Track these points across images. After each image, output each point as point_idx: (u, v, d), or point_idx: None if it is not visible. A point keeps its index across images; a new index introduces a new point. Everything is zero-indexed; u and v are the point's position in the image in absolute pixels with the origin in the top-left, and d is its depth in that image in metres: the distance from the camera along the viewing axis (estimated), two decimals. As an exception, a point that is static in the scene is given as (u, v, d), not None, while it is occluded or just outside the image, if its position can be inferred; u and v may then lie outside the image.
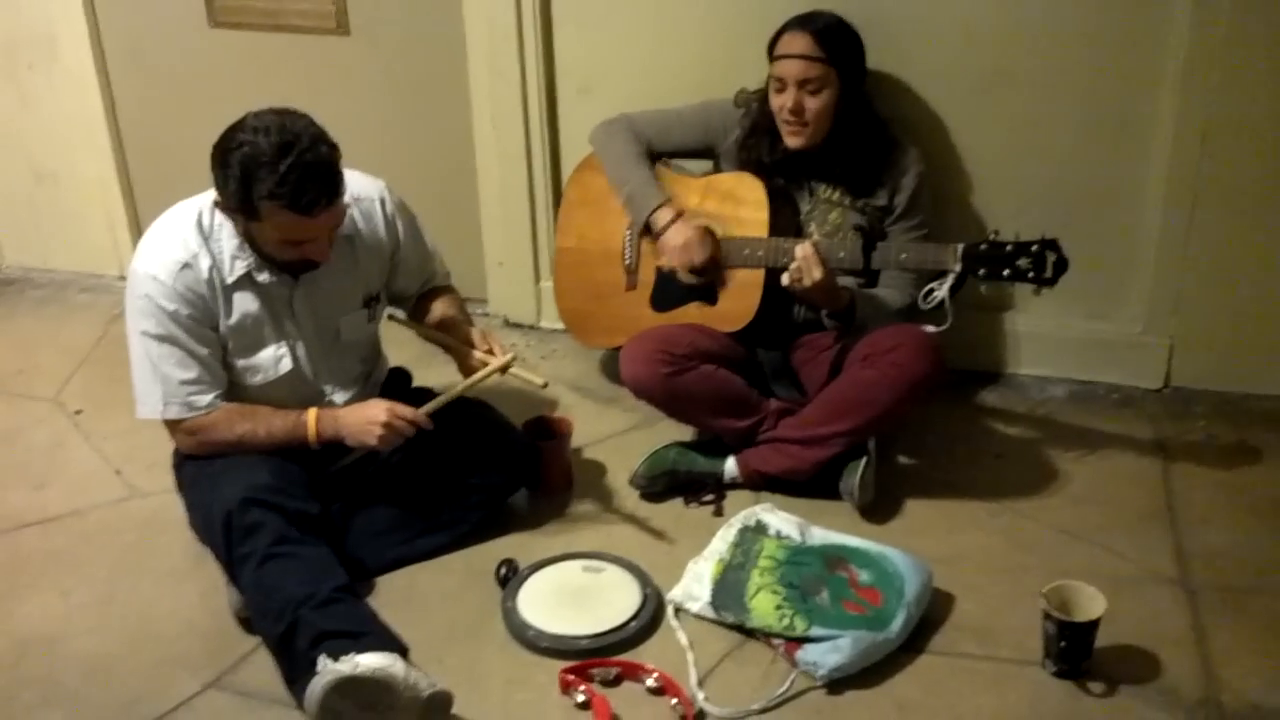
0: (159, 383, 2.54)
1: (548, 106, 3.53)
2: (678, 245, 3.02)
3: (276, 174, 2.32)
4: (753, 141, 3.05)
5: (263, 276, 2.57)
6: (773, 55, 2.95)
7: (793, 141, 2.97)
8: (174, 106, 3.94)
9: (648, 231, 3.10)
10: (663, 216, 3.05)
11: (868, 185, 3.02)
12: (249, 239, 2.51)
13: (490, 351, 2.69)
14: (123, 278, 4.21)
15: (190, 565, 2.73)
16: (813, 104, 2.91)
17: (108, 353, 3.76)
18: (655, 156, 3.18)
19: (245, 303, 2.58)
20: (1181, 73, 3.03)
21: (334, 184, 2.42)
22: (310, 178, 2.35)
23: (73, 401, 3.50)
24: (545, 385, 2.67)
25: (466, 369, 2.72)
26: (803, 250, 2.77)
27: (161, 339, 2.52)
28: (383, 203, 2.73)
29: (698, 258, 3.01)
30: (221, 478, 2.51)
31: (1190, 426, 3.22)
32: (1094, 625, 2.31)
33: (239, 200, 2.38)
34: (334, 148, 2.42)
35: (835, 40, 2.91)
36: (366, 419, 2.56)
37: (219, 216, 2.53)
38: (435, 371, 2.97)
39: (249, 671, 2.44)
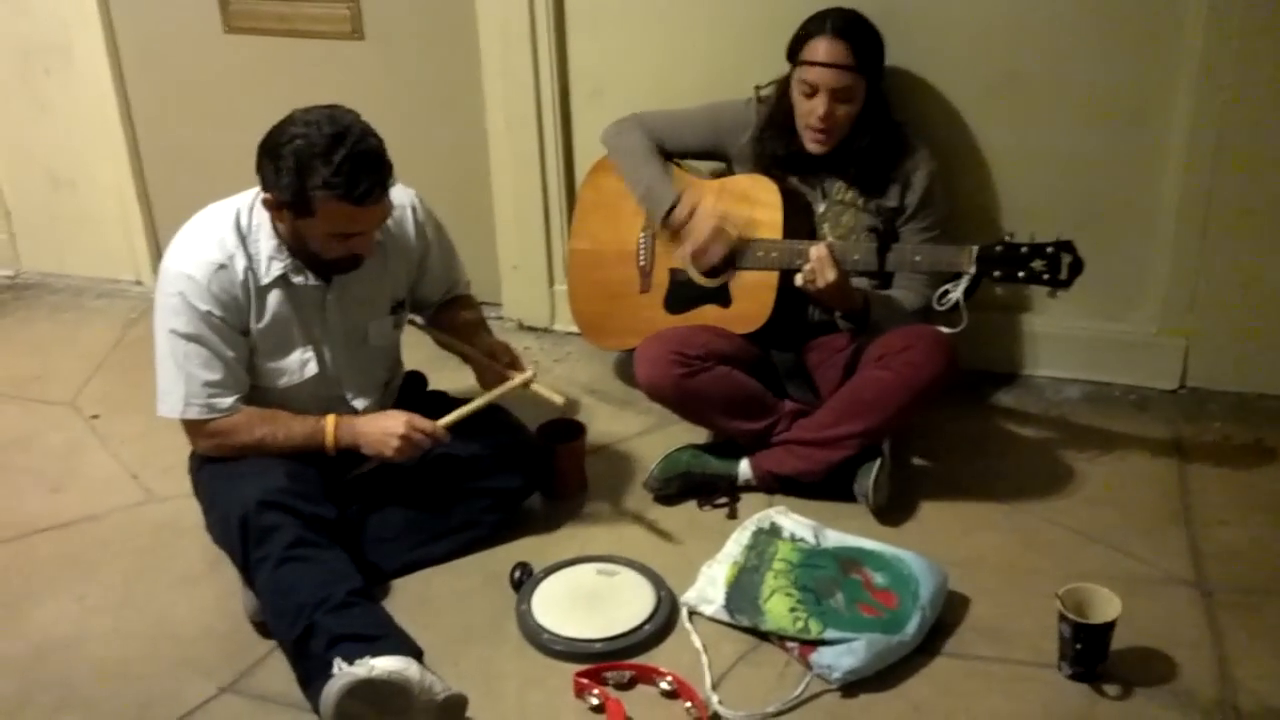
0: (183, 382, 2.54)
1: (561, 110, 3.54)
2: (696, 242, 3.00)
3: (331, 164, 2.34)
4: (769, 134, 3.05)
5: (298, 279, 2.58)
6: (801, 58, 2.92)
7: (815, 148, 2.96)
8: (189, 112, 3.96)
9: (666, 226, 3.08)
10: (683, 209, 3.04)
11: (879, 186, 3.02)
12: (293, 238, 2.52)
13: (512, 365, 2.70)
14: (139, 282, 4.23)
15: (206, 569, 2.74)
16: (841, 112, 2.91)
17: (124, 357, 3.78)
18: (666, 157, 3.18)
19: (277, 305, 2.58)
20: (1196, 73, 3.02)
21: (385, 174, 2.43)
22: (363, 167, 2.37)
23: (89, 406, 3.51)
24: (564, 403, 2.68)
25: (486, 381, 2.72)
26: (817, 251, 2.77)
27: (190, 338, 2.52)
28: (414, 210, 2.74)
29: (716, 257, 3.00)
30: (238, 481, 2.51)
31: (1206, 427, 3.21)
32: (1109, 627, 2.30)
33: (292, 193, 2.39)
34: (381, 140, 2.44)
35: (867, 47, 2.90)
36: (384, 430, 2.56)
37: (258, 217, 2.54)
38: (449, 375, 2.98)
39: (264, 675, 2.44)
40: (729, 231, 2.98)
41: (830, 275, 2.76)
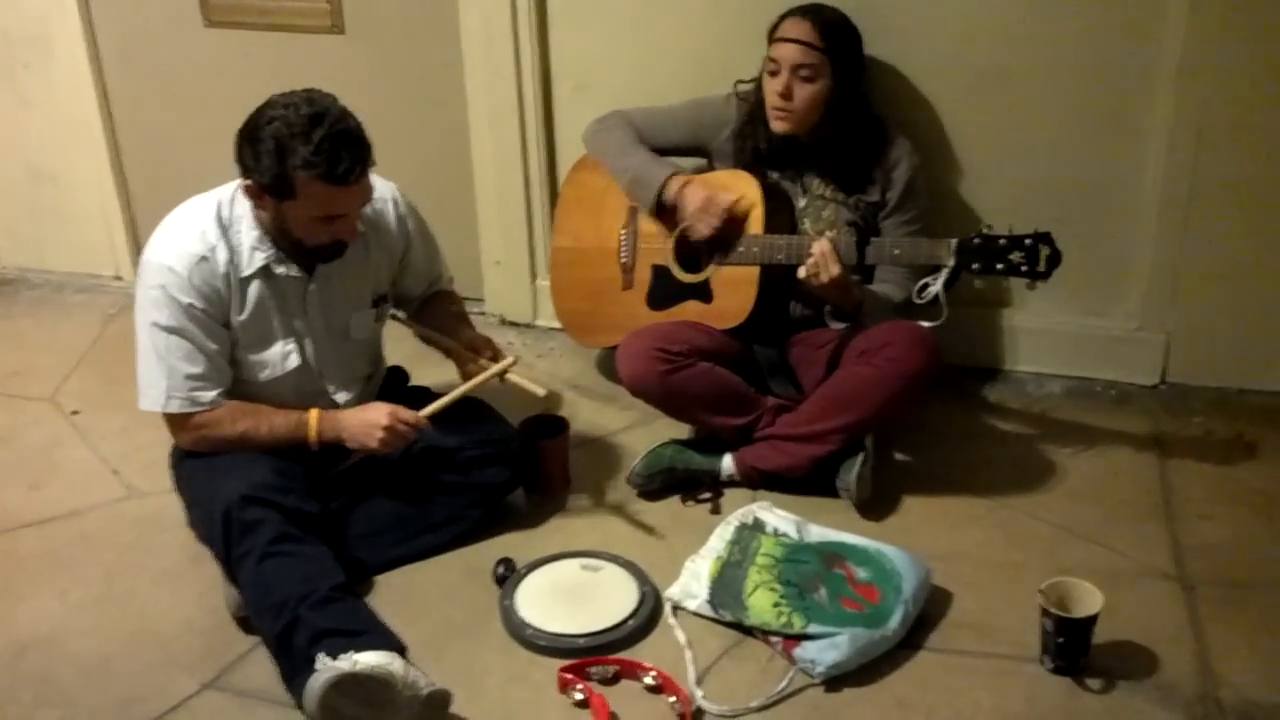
0: (164, 375, 2.53)
1: (543, 105, 3.53)
2: (698, 205, 2.97)
3: (311, 143, 2.34)
4: (749, 129, 3.06)
5: (281, 269, 2.57)
6: (772, 38, 2.96)
7: (778, 126, 2.97)
8: (169, 106, 3.94)
9: (660, 209, 3.07)
10: (675, 184, 3.04)
11: (859, 181, 3.02)
12: (276, 225, 2.51)
13: (493, 359, 2.70)
14: (119, 277, 4.21)
15: (188, 564, 2.72)
16: (803, 91, 2.92)
17: (104, 353, 3.76)
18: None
19: (259, 296, 2.57)
20: (1177, 69, 3.03)
21: (365, 153, 2.43)
22: (343, 146, 2.37)
23: (69, 402, 3.50)
24: (544, 395, 2.68)
25: (466, 373, 2.72)
26: (820, 246, 2.76)
27: (171, 331, 2.51)
28: (395, 203, 2.74)
29: (721, 212, 2.96)
30: (221, 475, 2.50)
31: (1187, 422, 3.22)
32: (1091, 621, 2.31)
33: (273, 176, 2.38)
34: (360, 122, 2.44)
35: (835, 33, 2.92)
36: (368, 422, 2.56)
37: (239, 209, 2.54)
38: (432, 370, 2.97)
39: (247, 671, 2.44)
40: (724, 201, 2.96)
41: (834, 270, 2.75)
